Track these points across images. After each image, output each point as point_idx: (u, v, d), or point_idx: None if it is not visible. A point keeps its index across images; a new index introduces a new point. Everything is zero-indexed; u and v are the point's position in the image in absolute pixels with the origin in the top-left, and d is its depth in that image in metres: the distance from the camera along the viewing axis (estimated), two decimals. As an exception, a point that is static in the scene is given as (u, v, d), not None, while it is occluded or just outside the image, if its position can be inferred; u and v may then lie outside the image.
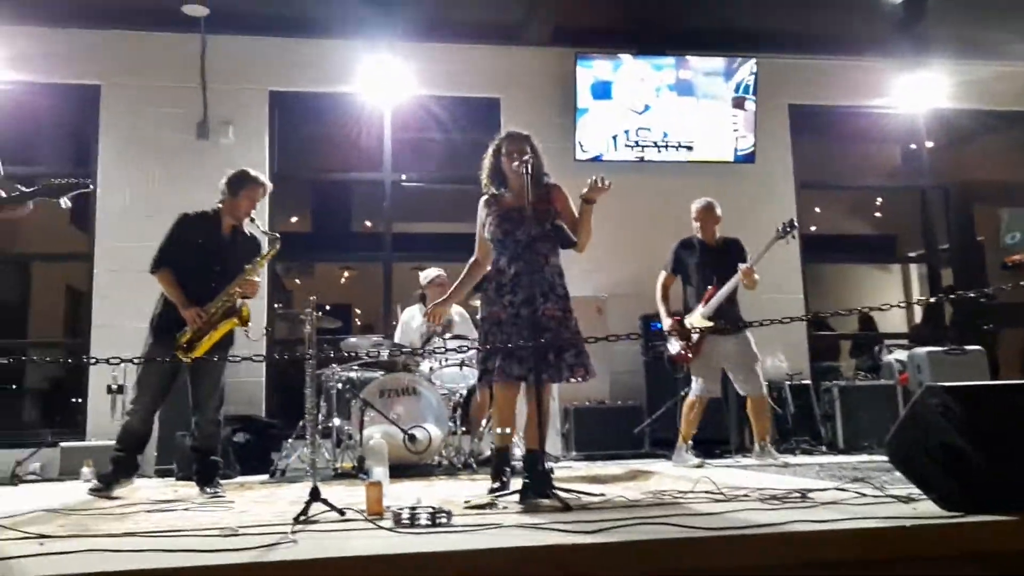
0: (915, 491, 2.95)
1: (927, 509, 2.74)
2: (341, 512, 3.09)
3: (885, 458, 3.17)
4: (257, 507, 3.82)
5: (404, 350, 5.79)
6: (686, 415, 5.60)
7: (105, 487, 4.41)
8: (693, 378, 5.59)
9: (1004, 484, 2.62)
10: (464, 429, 5.80)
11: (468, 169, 4.08)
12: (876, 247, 11.49)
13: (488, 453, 5.65)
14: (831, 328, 9.27)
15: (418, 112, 7.56)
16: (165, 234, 4.59)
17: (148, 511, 3.77)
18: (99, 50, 7.12)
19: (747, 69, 7.76)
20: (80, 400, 6.91)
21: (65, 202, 3.21)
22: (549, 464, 3.90)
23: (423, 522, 2.80)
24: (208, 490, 4.42)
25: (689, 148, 7.70)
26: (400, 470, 4.88)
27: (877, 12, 7.13)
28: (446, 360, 5.76)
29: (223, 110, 7.20)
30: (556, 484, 3.44)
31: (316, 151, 8.37)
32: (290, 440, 5.82)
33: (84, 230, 7.29)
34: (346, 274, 14.11)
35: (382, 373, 5.67)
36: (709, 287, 5.52)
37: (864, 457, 5.92)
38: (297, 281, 13.83)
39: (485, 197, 3.91)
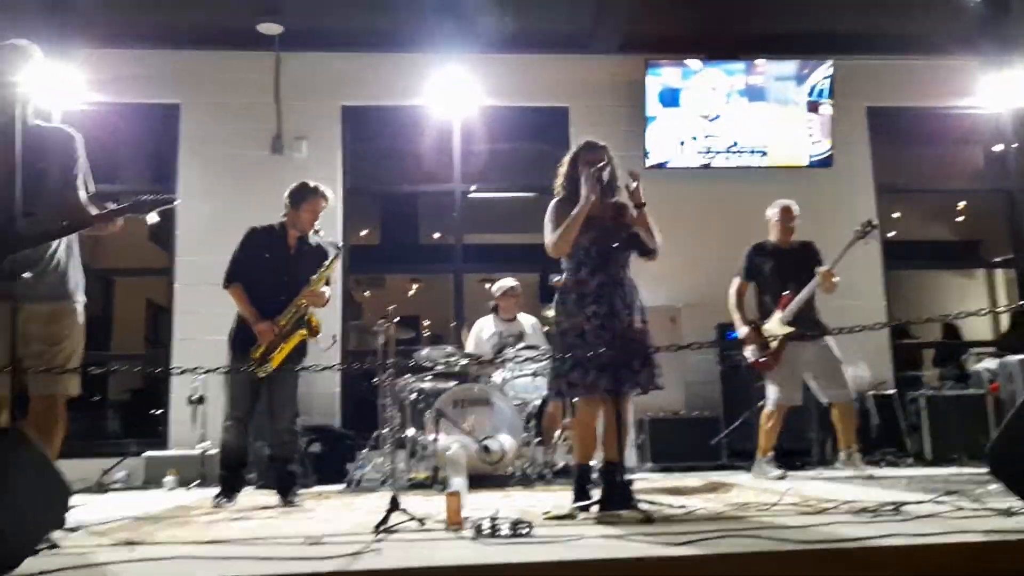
0: (1016, 503, 2.82)
1: (1031, 523, 2.62)
2: (421, 521, 3.09)
3: (977, 470, 3.03)
4: (337, 516, 3.84)
5: (478, 360, 5.79)
6: (764, 426, 5.46)
7: (223, 499, 4.53)
8: (769, 387, 5.44)
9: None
10: (538, 440, 5.76)
11: (537, 179, 4.07)
12: (959, 252, 11.10)
13: (562, 464, 5.60)
14: (914, 336, 8.97)
15: (487, 123, 7.58)
16: (235, 249, 4.70)
17: (231, 519, 3.83)
18: (179, 70, 7.34)
19: (821, 72, 7.59)
20: (162, 411, 7.10)
21: (153, 217, 3.30)
22: (628, 476, 3.82)
23: (504, 533, 2.78)
24: (288, 499, 4.47)
25: (762, 153, 7.56)
26: (475, 481, 4.84)
27: (958, 10, 6.89)
28: (519, 370, 5.73)
29: (297, 125, 7.34)
30: (636, 496, 3.37)
31: (386, 164, 8.46)
32: (365, 450, 5.86)
33: (163, 246, 7.49)
34: (415, 286, 14.23)
35: (455, 384, 5.67)
36: (785, 292, 5.39)
37: (954, 469, 5.69)
38: (367, 293, 14.00)
39: (560, 199, 3.84)
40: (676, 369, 6.53)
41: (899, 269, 8.20)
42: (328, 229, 7.13)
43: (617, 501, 3.41)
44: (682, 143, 7.51)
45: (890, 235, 8.39)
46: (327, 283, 4.66)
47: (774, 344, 5.33)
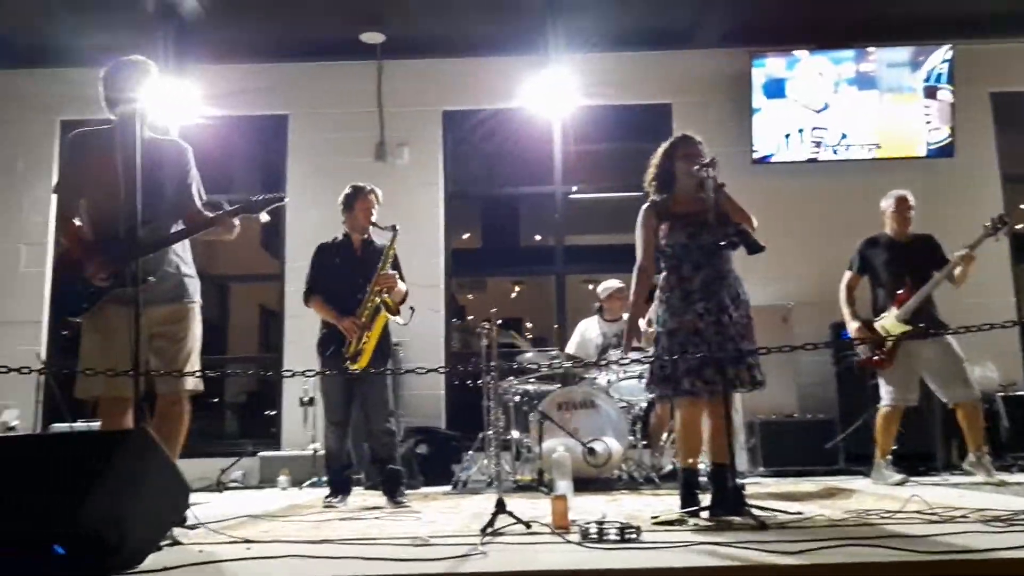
0: None
1: None
2: (527, 525, 3.07)
3: None
4: (443, 518, 3.87)
5: (582, 362, 5.75)
6: (882, 428, 5.21)
7: (333, 499, 4.67)
8: (883, 387, 5.19)
9: None
10: (645, 443, 5.67)
11: (639, 178, 3.97)
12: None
13: (670, 467, 5.50)
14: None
15: (587, 123, 7.52)
16: (308, 267, 4.89)
17: (341, 519, 3.91)
18: (286, 82, 7.56)
19: (939, 57, 7.21)
20: (275, 412, 7.34)
21: (264, 216, 3.41)
22: (739, 480, 3.71)
23: (612, 537, 2.73)
24: (395, 499, 4.54)
25: (875, 145, 7.24)
26: (580, 484, 4.80)
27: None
28: (625, 372, 5.65)
29: (399, 132, 7.46)
30: (748, 501, 3.27)
31: (487, 167, 8.52)
32: (470, 452, 5.90)
33: (274, 253, 7.74)
34: (517, 288, 14.30)
35: (558, 386, 5.65)
36: (902, 288, 5.13)
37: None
38: (470, 296, 14.15)
39: (652, 203, 3.77)
40: (788, 370, 6.33)
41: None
42: (430, 233, 7.33)
43: (727, 506, 3.32)
44: (787, 136, 7.27)
45: (1019, 227, 7.89)
46: (396, 267, 4.73)
47: (889, 342, 5.08)
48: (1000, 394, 6.32)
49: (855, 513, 3.42)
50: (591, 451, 5.14)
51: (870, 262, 5.34)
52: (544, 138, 7.63)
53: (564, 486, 3.40)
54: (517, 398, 5.70)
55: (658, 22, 7.23)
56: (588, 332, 6.23)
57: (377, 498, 4.77)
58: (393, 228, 4.68)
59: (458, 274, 8.80)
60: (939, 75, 7.22)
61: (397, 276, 4.69)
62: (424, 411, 6.96)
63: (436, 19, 7.05)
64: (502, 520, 3.11)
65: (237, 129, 7.69)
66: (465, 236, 12.37)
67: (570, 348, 6.23)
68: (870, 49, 7.29)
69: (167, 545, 2.80)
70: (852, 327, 5.29)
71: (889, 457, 5.21)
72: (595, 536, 2.75)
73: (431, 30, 7.22)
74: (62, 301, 3.40)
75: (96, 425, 4.03)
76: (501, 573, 2.28)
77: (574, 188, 7.88)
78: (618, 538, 2.72)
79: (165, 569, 2.37)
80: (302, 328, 7.04)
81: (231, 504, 5.03)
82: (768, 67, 7.28)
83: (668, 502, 4.03)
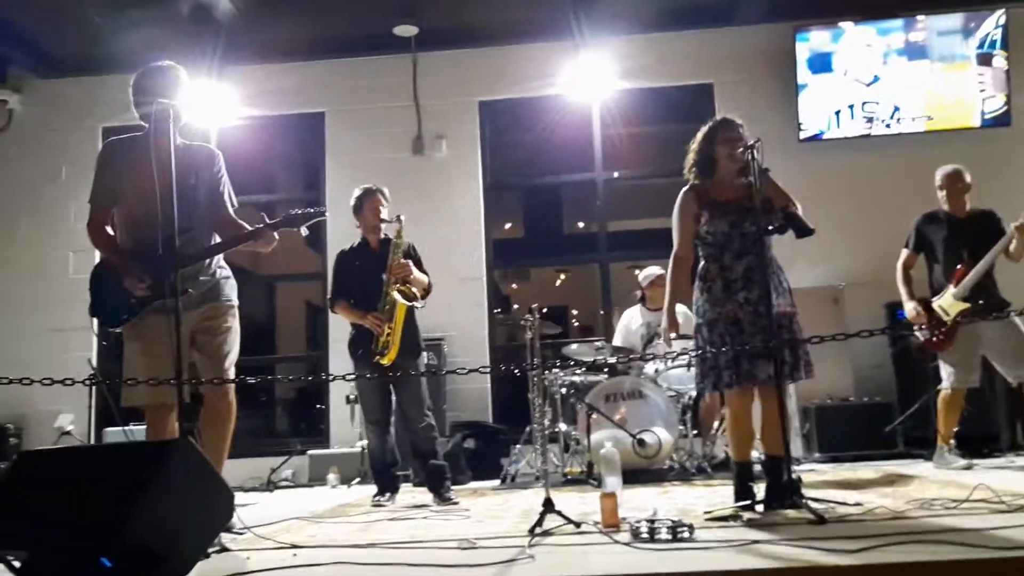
0: None
1: None
2: (577, 524, 3.00)
3: None
4: (492, 517, 3.81)
5: (628, 356, 5.64)
6: (943, 411, 5.02)
7: (381, 498, 4.66)
8: (944, 369, 5.01)
9: None
10: (695, 432, 5.56)
11: (682, 161, 3.86)
12: None
13: (722, 457, 5.38)
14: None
15: (626, 106, 7.39)
16: (331, 273, 4.92)
17: (389, 519, 3.89)
18: (321, 79, 7.56)
19: (992, 22, 6.93)
20: (323, 408, 7.37)
21: (304, 230, 3.40)
22: (795, 468, 3.59)
23: (663, 536, 2.65)
24: (443, 497, 4.50)
25: (927, 117, 6.99)
26: (631, 476, 4.71)
27: None
28: (672, 361, 5.53)
29: (435, 125, 7.41)
30: (805, 493, 3.15)
31: (526, 156, 8.43)
32: (518, 445, 5.85)
33: (317, 250, 7.76)
34: (561, 276, 14.20)
35: (606, 376, 5.56)
36: (959, 265, 4.93)
37: None
38: (514, 286, 14.08)
39: (692, 187, 3.65)
40: (843, 353, 6.14)
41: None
42: (470, 225, 7.27)
43: (782, 498, 3.21)
44: (837, 112, 7.06)
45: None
46: (411, 257, 4.69)
47: (948, 321, 4.90)
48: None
49: (918, 503, 3.28)
50: (641, 442, 5.05)
51: (927, 239, 5.14)
52: (583, 124, 7.52)
53: (613, 482, 3.32)
54: (564, 390, 5.62)
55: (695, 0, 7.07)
56: (632, 323, 6.12)
57: (425, 495, 4.75)
58: (398, 218, 4.65)
59: (501, 265, 8.74)
60: (993, 41, 6.95)
61: (411, 264, 4.65)
62: (471, 405, 6.94)
63: (469, 8, 6.98)
64: (551, 520, 3.04)
65: (275, 128, 7.73)
66: (507, 226, 12.30)
67: (616, 340, 6.13)
68: (919, 17, 7.04)
69: (215, 552, 2.80)
70: (909, 307, 5.10)
71: (952, 442, 5.03)
72: (646, 536, 2.67)
73: (464, 20, 7.16)
74: (101, 312, 3.41)
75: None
76: (550, 579, 2.22)
77: (615, 174, 7.75)
78: (670, 537, 2.64)
79: (211, 579, 2.35)
80: (345, 325, 7.01)
81: (281, 505, 5.06)
82: (812, 41, 7.07)
83: (721, 493, 3.94)
